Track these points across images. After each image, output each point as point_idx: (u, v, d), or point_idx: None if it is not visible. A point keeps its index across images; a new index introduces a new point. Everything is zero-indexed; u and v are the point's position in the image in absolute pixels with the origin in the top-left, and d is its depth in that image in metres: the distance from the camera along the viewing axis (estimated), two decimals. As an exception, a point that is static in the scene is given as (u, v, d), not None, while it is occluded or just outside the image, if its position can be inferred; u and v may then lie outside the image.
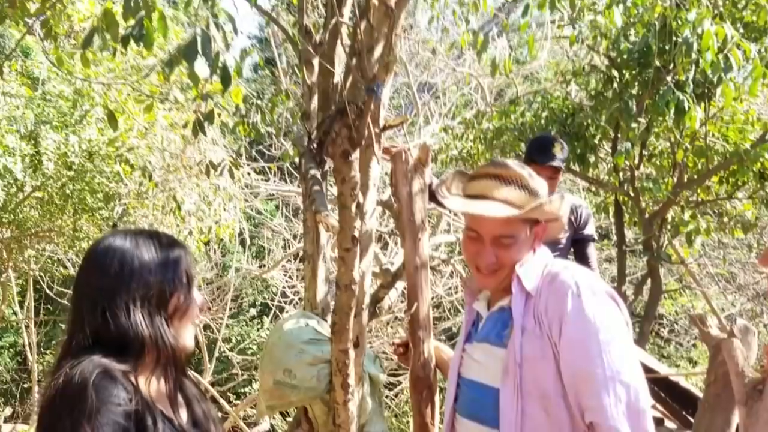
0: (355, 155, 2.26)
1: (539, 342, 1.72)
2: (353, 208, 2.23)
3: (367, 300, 2.70)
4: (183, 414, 1.45)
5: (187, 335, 1.45)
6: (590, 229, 3.91)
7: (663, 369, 5.26)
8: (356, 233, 2.24)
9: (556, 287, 1.75)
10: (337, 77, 2.81)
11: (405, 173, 2.54)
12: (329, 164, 2.99)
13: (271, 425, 8.91)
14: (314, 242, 3.07)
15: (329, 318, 2.98)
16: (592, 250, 3.94)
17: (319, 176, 2.58)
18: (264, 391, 2.72)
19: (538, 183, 1.90)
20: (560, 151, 3.62)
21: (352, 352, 2.47)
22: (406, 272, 2.57)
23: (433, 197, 3.08)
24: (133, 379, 1.29)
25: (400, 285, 3.54)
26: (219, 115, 3.79)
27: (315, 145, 2.75)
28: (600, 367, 1.63)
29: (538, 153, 3.59)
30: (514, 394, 1.72)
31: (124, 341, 1.32)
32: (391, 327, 9.05)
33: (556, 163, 3.55)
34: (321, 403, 2.74)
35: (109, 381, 1.24)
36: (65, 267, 8.22)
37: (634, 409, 1.62)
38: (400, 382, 9.30)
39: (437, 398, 2.49)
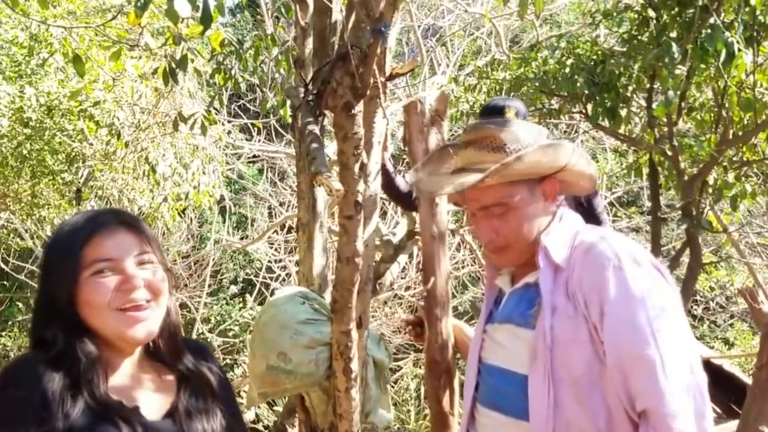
0: (359, 108, 2.21)
1: (573, 322, 1.70)
2: (356, 169, 2.17)
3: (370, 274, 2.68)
4: (155, 401, 1.48)
5: (109, 321, 1.44)
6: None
7: (704, 351, 5.27)
8: (360, 198, 2.20)
9: (591, 260, 1.72)
10: (335, 15, 2.75)
11: (420, 127, 2.48)
12: (326, 119, 2.95)
13: (256, 415, 8.94)
14: (309, 209, 3.04)
15: (327, 295, 2.95)
16: (599, 199, 3.82)
17: (317, 132, 2.53)
18: (255, 377, 2.71)
19: (520, 135, 1.85)
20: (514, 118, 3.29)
21: (355, 334, 2.44)
22: (421, 241, 2.54)
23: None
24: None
25: (402, 259, 3.52)
26: (192, 61, 3.71)
27: (312, 97, 2.69)
28: (652, 347, 1.60)
29: None
30: (544, 382, 1.70)
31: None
32: (390, 307, 9.06)
33: None
34: (319, 390, 2.74)
35: (25, 366, 1.36)
36: (22, 238, 8.16)
37: (693, 392, 1.60)
38: (400, 368, 9.33)
39: (456, 383, 2.48)
